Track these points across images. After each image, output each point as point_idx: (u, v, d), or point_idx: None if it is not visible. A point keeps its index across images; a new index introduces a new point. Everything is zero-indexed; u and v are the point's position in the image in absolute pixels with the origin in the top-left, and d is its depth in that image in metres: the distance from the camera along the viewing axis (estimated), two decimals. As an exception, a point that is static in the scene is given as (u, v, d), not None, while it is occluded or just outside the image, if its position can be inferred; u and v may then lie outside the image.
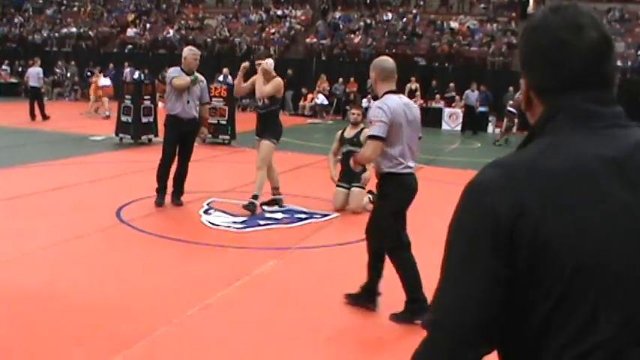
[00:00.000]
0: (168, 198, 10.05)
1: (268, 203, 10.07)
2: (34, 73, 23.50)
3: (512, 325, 1.51)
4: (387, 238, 5.87)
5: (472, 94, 27.48)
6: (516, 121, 23.13)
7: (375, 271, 6.04)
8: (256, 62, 10.01)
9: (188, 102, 9.97)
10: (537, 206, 1.46)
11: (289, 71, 31.98)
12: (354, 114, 10.45)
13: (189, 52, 10.27)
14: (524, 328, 1.50)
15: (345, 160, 10.08)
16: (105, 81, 26.54)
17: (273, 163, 10.08)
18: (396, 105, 5.67)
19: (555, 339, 1.46)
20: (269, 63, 9.87)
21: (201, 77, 10.19)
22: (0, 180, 11.50)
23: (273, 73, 9.81)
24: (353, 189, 10.17)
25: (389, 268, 5.97)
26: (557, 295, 1.45)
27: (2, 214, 9.12)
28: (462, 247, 1.53)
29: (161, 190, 10.00)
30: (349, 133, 10.38)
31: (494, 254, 1.47)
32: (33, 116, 22.63)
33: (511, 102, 24.37)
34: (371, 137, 5.67)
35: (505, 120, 24.18)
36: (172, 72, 10.18)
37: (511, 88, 28.27)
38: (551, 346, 1.47)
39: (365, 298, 6.07)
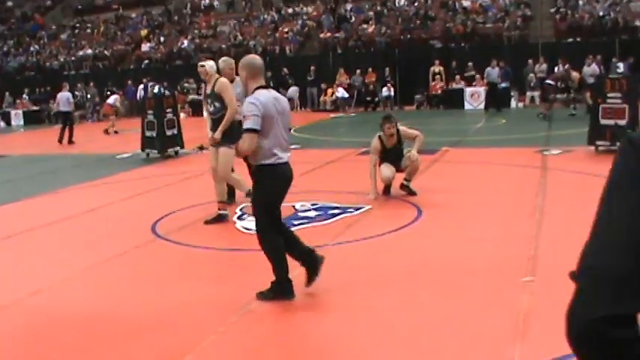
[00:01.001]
0: (198, 210, 10.13)
1: (212, 221, 9.54)
2: (64, 98, 23.66)
3: None
4: (257, 224, 6.21)
5: (493, 71, 27.24)
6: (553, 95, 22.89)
7: (296, 257, 6.33)
8: (199, 65, 9.81)
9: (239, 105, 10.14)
10: None
11: (312, 67, 32.06)
12: (389, 128, 10.34)
13: (222, 63, 10.28)
14: None
15: (389, 157, 10.53)
16: (110, 100, 27.37)
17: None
18: (266, 99, 6.02)
19: None
20: (210, 66, 9.64)
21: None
22: (35, 207, 11.65)
23: (216, 75, 9.58)
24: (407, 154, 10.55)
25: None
26: None
27: (40, 241, 9.23)
28: (617, 198, 1.46)
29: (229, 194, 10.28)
30: (389, 144, 10.46)
31: None
32: (62, 141, 22.87)
33: (538, 75, 24.24)
34: (246, 130, 5.97)
35: (539, 92, 24.19)
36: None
37: (530, 61, 28.12)
38: None
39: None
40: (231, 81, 10.06)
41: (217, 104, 9.45)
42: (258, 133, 5.93)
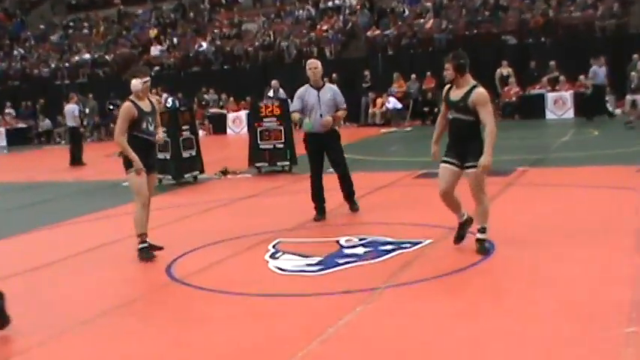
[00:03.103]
0: (223, 247, 10.24)
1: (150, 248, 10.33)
2: (70, 112, 24.09)
3: None
4: None
5: (600, 70, 26.33)
6: None
7: None
8: (144, 80, 10.08)
9: (321, 115, 11.47)
10: None
11: (366, 72, 31.84)
12: (446, 69, 9.18)
13: (307, 65, 11.97)
14: None
15: (452, 128, 9.27)
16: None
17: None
18: None
19: None
20: (133, 84, 9.99)
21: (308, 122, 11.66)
22: (26, 245, 11.82)
23: (140, 94, 10.03)
24: (468, 170, 9.03)
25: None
26: None
27: (36, 284, 9.34)
28: None
29: (319, 209, 11.97)
30: (455, 94, 9.16)
31: None
32: (73, 162, 23.60)
33: None
34: None
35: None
36: (298, 92, 11.88)
37: (635, 56, 26.74)
38: None
39: None
40: (319, 87, 11.67)
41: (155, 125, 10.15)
42: None
